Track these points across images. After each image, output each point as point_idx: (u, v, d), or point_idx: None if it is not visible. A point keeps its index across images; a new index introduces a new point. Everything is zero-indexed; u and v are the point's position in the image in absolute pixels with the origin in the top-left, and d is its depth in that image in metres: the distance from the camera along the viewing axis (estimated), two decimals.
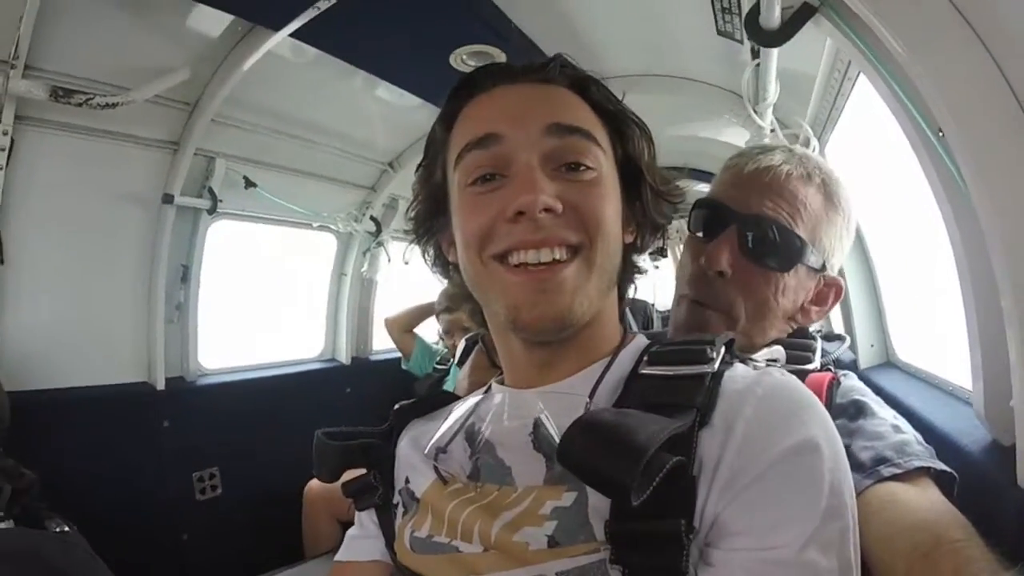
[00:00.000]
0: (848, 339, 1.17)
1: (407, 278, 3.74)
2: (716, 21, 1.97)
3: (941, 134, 0.91)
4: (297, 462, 2.86)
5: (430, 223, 0.85)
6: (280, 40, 2.09)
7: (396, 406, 0.93)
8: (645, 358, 0.74)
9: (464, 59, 2.29)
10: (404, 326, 3.45)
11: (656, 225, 0.83)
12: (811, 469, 0.57)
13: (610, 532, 0.59)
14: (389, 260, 3.50)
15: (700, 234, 1.07)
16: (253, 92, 2.46)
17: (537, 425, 0.71)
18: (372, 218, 3.39)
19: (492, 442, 0.76)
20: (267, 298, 3.31)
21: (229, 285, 3.01)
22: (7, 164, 1.91)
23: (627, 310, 1.03)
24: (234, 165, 2.72)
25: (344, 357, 3.53)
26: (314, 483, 2.84)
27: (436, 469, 0.78)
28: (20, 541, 1.26)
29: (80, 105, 1.91)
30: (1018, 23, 0.80)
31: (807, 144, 2.01)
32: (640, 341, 0.80)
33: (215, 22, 2.12)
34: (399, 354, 3.56)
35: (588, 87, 0.78)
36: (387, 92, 2.69)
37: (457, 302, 2.79)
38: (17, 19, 1.67)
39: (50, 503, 1.45)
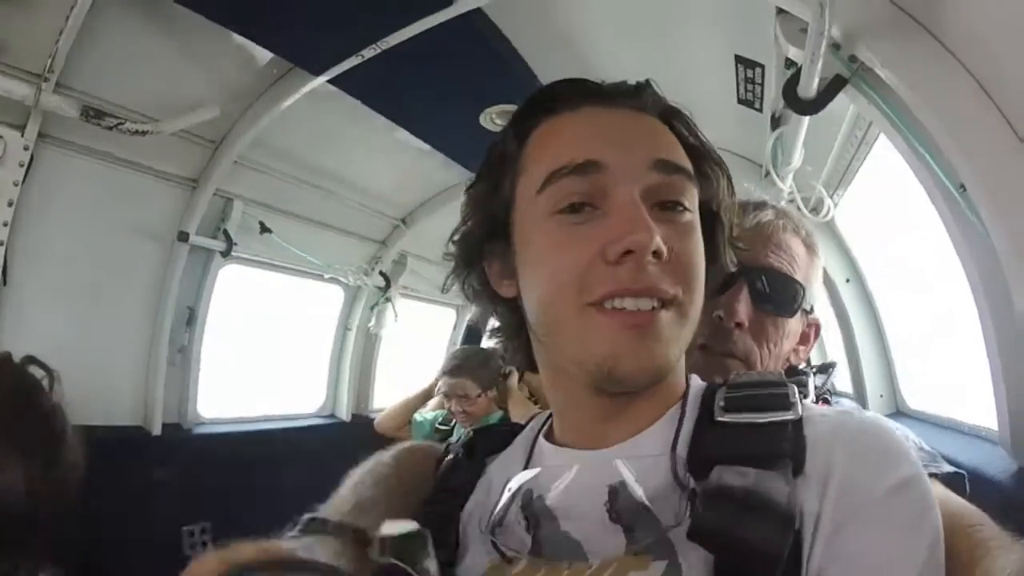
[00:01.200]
0: (836, 363, 1.24)
1: (411, 338, 3.68)
2: (738, 89, 2.02)
3: (963, 188, 1.05)
4: (292, 517, 2.73)
5: (481, 248, 0.75)
6: (316, 85, 2.11)
7: (443, 467, 0.81)
8: (721, 403, 0.67)
9: (494, 118, 2.32)
10: (398, 424, 3.32)
11: (726, 270, 0.78)
12: (915, 504, 0.54)
13: None
14: (396, 317, 3.43)
15: None
16: (277, 136, 2.47)
17: (614, 492, 0.63)
18: (382, 273, 3.36)
19: (555, 513, 0.65)
20: (270, 348, 3.22)
21: (234, 331, 2.92)
22: (24, 180, 1.84)
23: None
24: (251, 209, 2.70)
25: (344, 414, 3.43)
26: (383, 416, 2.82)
27: (495, 545, 0.67)
28: None
29: (111, 128, 1.88)
30: None
31: (820, 205, 2.06)
32: (696, 382, 0.73)
33: (254, 60, 2.13)
34: None
35: (677, 121, 0.72)
36: (407, 148, 2.72)
37: (468, 366, 2.68)
38: (57, 33, 1.65)
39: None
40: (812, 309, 1.12)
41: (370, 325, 3.41)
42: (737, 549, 0.51)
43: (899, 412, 2.16)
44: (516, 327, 0.75)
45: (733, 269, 0.79)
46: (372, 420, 3.44)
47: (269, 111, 2.24)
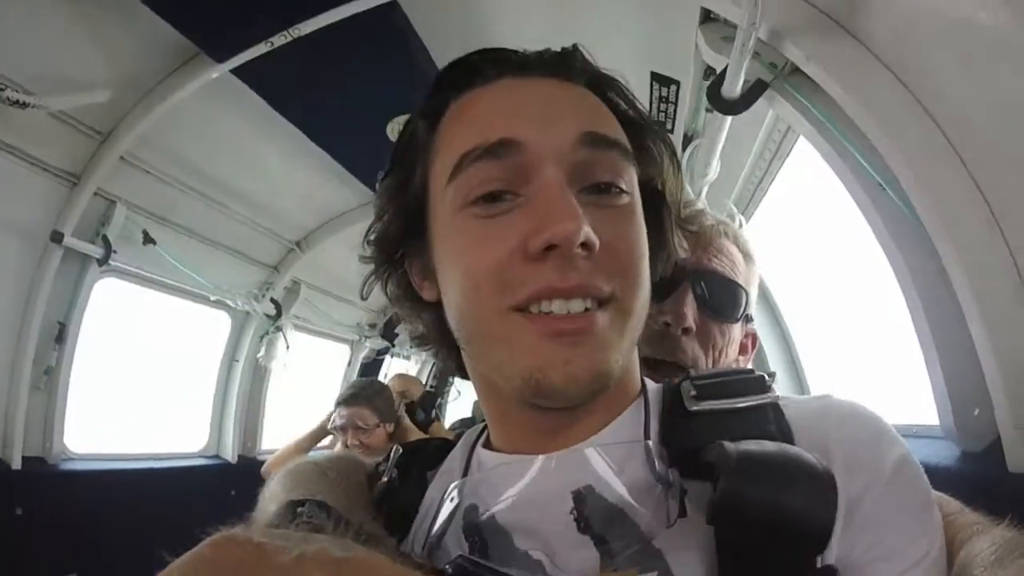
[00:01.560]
0: (776, 374, 1.20)
1: (303, 373, 3.44)
2: (651, 109, 2.13)
3: (893, 182, 1.10)
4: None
5: (397, 248, 0.66)
6: (216, 76, 1.99)
7: (380, 491, 0.68)
8: (693, 394, 0.59)
9: (401, 128, 2.30)
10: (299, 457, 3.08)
11: (673, 258, 0.69)
12: (917, 484, 0.53)
13: None
14: (288, 348, 3.21)
15: None
16: (171, 135, 2.30)
17: (580, 497, 0.54)
18: (273, 300, 3.15)
19: (506, 529, 0.56)
20: (150, 376, 2.87)
21: (109, 355, 2.59)
22: None
23: None
24: (134, 216, 2.45)
25: (230, 455, 3.11)
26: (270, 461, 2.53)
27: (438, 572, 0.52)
28: None
29: None
30: (951, 84, 1.01)
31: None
32: (652, 383, 0.66)
33: (155, 42, 1.96)
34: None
35: (610, 90, 0.63)
36: (308, 163, 2.63)
37: (365, 395, 2.53)
38: None
39: None
40: (751, 318, 1.11)
41: (259, 356, 3.16)
42: (782, 523, 0.46)
43: None
44: (442, 332, 0.65)
45: (683, 255, 0.71)
46: (260, 462, 3.16)
47: (165, 101, 2.07)
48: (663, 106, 2.05)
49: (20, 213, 2.08)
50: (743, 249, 1.10)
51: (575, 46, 0.63)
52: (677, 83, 1.96)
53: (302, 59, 1.89)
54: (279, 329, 3.17)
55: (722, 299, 1.02)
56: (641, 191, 0.60)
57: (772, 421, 0.55)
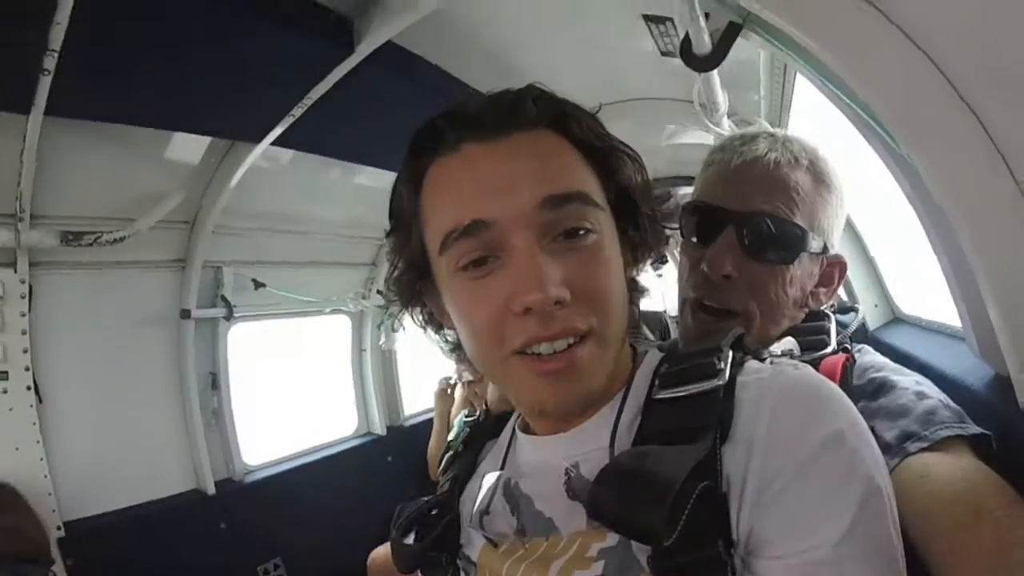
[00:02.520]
0: (861, 308, 1.13)
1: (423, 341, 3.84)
2: (657, 43, 2.06)
3: (879, 118, 0.94)
4: (354, 536, 2.97)
5: (413, 290, 0.77)
6: (261, 151, 2.27)
7: (446, 460, 0.95)
8: (657, 382, 0.70)
9: None
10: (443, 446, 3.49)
11: (654, 252, 0.78)
12: (839, 464, 0.56)
13: (653, 568, 0.57)
14: (404, 329, 3.58)
15: (695, 239, 1.03)
16: (246, 200, 2.65)
17: (568, 473, 0.69)
18: (379, 291, 3.47)
19: (530, 496, 0.73)
20: (296, 386, 3.42)
21: (257, 381, 3.14)
22: (29, 309, 2.07)
23: (642, 325, 1.00)
24: (241, 270, 2.89)
25: (379, 428, 3.62)
26: (376, 553, 2.89)
27: (485, 536, 0.75)
28: None
29: (91, 244, 2.09)
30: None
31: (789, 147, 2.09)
32: (652, 359, 0.76)
33: (198, 145, 2.32)
34: (432, 415, 3.64)
35: (570, 125, 0.69)
36: (368, 172, 2.88)
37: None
38: (16, 175, 1.85)
39: None
40: (826, 248, 1.01)
41: (380, 343, 3.60)
42: (625, 529, 0.57)
43: (896, 319, 2.16)
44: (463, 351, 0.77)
45: (661, 249, 0.79)
46: (406, 428, 3.68)
47: (228, 181, 2.42)
48: (666, 39, 2.00)
49: (152, 305, 2.60)
50: (814, 171, 1.00)
51: (530, 87, 0.70)
52: (671, 19, 1.91)
53: (330, 111, 2.06)
54: (392, 316, 3.54)
55: (770, 243, 0.96)
56: (616, 201, 0.71)
57: (716, 407, 0.62)
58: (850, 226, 2.28)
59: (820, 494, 0.55)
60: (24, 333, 2.06)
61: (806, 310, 1.04)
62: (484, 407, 2.90)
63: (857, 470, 0.56)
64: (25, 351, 2.06)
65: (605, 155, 0.71)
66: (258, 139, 2.19)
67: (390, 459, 3.51)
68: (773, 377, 0.64)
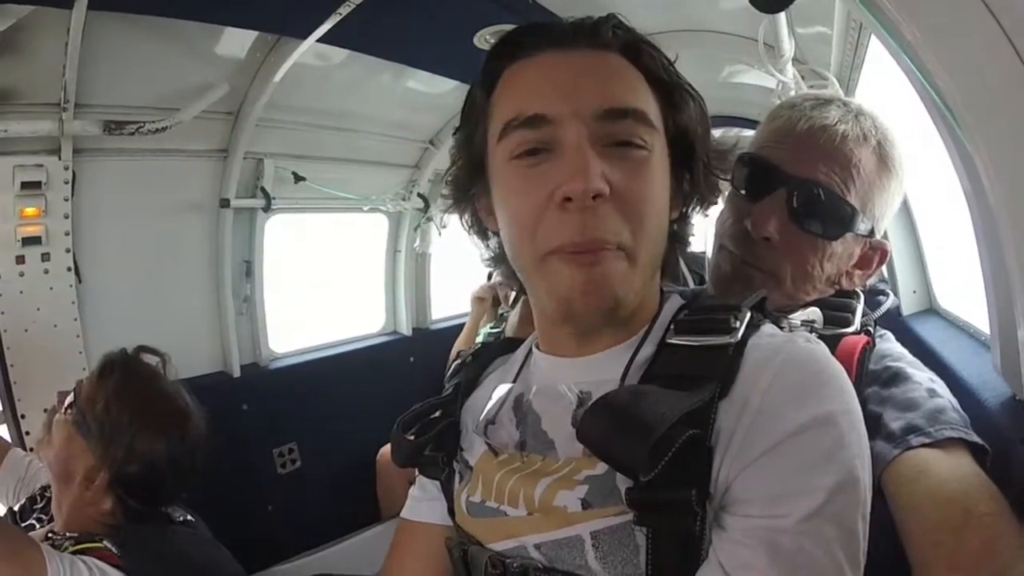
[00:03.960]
0: (891, 295, 1.12)
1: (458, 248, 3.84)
2: None
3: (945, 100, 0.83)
4: (369, 431, 3.13)
5: (468, 189, 0.82)
6: (308, 47, 2.19)
7: (454, 367, 0.97)
8: (672, 327, 0.74)
9: (488, 39, 2.29)
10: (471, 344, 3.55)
11: (706, 201, 0.81)
12: (823, 444, 0.58)
13: (627, 499, 0.61)
14: (440, 233, 3.60)
15: (744, 192, 1.02)
16: (291, 94, 2.59)
17: (579, 403, 0.73)
18: (419, 195, 3.49)
19: (538, 413, 0.77)
20: (327, 280, 3.50)
21: (291, 273, 3.22)
22: (72, 195, 2.13)
23: (682, 264, 1.00)
24: (282, 163, 2.87)
25: (405, 329, 3.70)
26: (385, 449, 3.06)
27: (487, 443, 0.80)
28: (163, 541, 1.46)
29: (132, 134, 2.09)
30: None
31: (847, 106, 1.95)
32: (673, 304, 0.80)
33: (245, 38, 2.26)
34: (458, 321, 3.70)
35: (642, 54, 0.73)
36: (419, 75, 2.77)
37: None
38: (61, 67, 1.85)
39: None
40: (873, 232, 1.00)
41: (415, 246, 3.61)
42: (605, 458, 0.61)
43: (931, 310, 2.11)
44: (505, 256, 0.81)
45: (712, 198, 0.81)
46: (432, 331, 3.76)
47: (273, 76, 2.36)
48: None
49: (192, 193, 2.63)
50: (881, 153, 0.98)
51: (610, 16, 0.74)
52: None
53: (379, 8, 1.98)
54: (430, 220, 3.55)
55: (819, 215, 0.95)
56: (673, 142, 0.75)
57: (722, 362, 0.65)
58: (905, 207, 2.16)
59: (798, 468, 0.58)
60: (67, 217, 2.13)
61: (837, 288, 1.04)
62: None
63: (839, 455, 0.58)
64: (67, 234, 2.14)
65: (671, 90, 0.74)
66: (305, 35, 2.12)
67: (412, 360, 3.61)
68: (783, 345, 0.66)
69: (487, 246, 0.86)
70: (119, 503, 1.43)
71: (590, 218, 0.65)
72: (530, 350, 0.87)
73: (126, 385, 1.48)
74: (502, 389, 0.84)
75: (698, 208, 0.82)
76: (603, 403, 0.62)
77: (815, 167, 0.95)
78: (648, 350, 0.73)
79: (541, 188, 0.68)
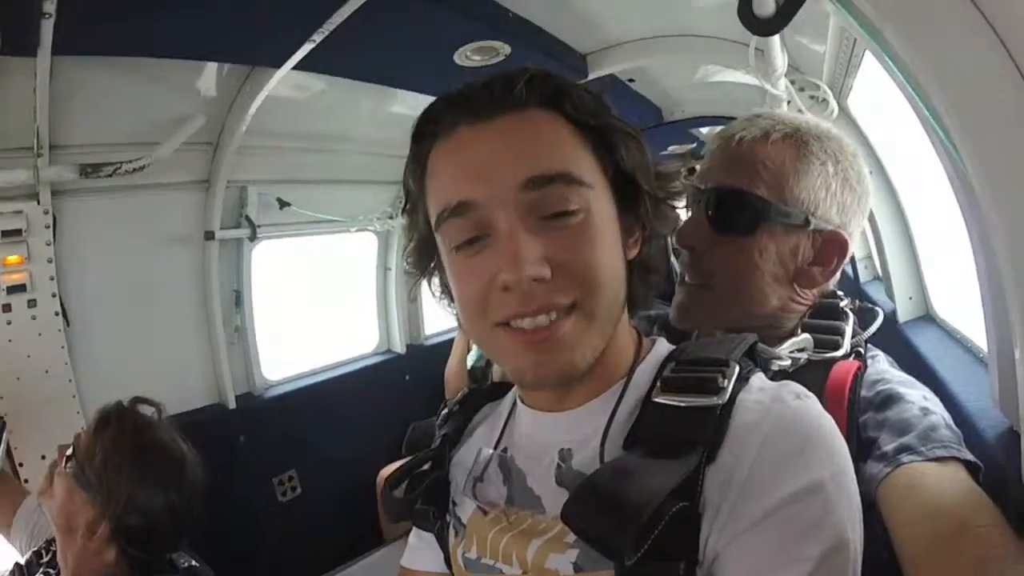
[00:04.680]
0: (881, 315, 1.09)
1: None
2: None
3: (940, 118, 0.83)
4: (368, 452, 3.10)
5: (426, 264, 0.82)
6: (284, 74, 2.17)
7: (441, 416, 0.96)
8: (659, 384, 0.72)
9: (469, 55, 2.29)
10: (461, 366, 3.54)
11: (659, 228, 0.80)
12: (811, 513, 0.58)
13: (617, 571, 0.60)
14: None
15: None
16: (270, 120, 2.56)
17: (559, 464, 0.73)
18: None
19: (523, 471, 0.77)
20: (319, 303, 3.48)
21: (281, 299, 3.19)
22: (54, 239, 2.10)
23: (673, 260, 1.07)
24: (266, 189, 2.86)
25: (399, 347, 3.69)
26: (387, 470, 3.03)
27: (476, 504, 0.80)
28: None
29: (110, 175, 2.07)
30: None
31: (825, 105, 1.95)
32: (658, 352, 0.79)
33: (219, 69, 2.23)
34: (453, 335, 3.70)
35: (563, 103, 0.71)
36: (401, 93, 2.75)
37: None
38: (32, 111, 1.82)
39: None
40: (808, 221, 0.99)
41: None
42: (593, 543, 0.59)
43: (927, 316, 2.10)
44: None
45: (665, 230, 0.81)
46: (426, 347, 3.75)
47: (250, 105, 2.34)
48: None
49: (176, 226, 2.61)
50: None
51: (524, 69, 0.71)
52: None
53: (356, 34, 1.97)
54: (403, 254, 3.52)
55: (728, 214, 0.99)
56: (616, 181, 0.73)
57: (710, 425, 0.63)
58: (900, 216, 2.15)
59: (787, 539, 0.57)
60: (50, 261, 2.10)
61: (803, 290, 1.04)
62: None
63: (826, 523, 0.58)
64: (52, 278, 2.12)
65: (601, 133, 0.72)
66: (278, 64, 2.10)
67: (408, 378, 3.60)
68: (771, 407, 0.65)
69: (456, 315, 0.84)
70: (122, 554, 1.42)
71: (534, 293, 0.65)
72: (515, 402, 0.86)
73: (122, 438, 1.47)
74: (488, 449, 0.83)
75: (656, 240, 0.80)
76: (587, 487, 0.61)
77: (720, 175, 1.01)
78: (629, 405, 0.72)
79: (483, 275, 0.68)
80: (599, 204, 0.70)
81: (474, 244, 0.68)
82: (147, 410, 1.58)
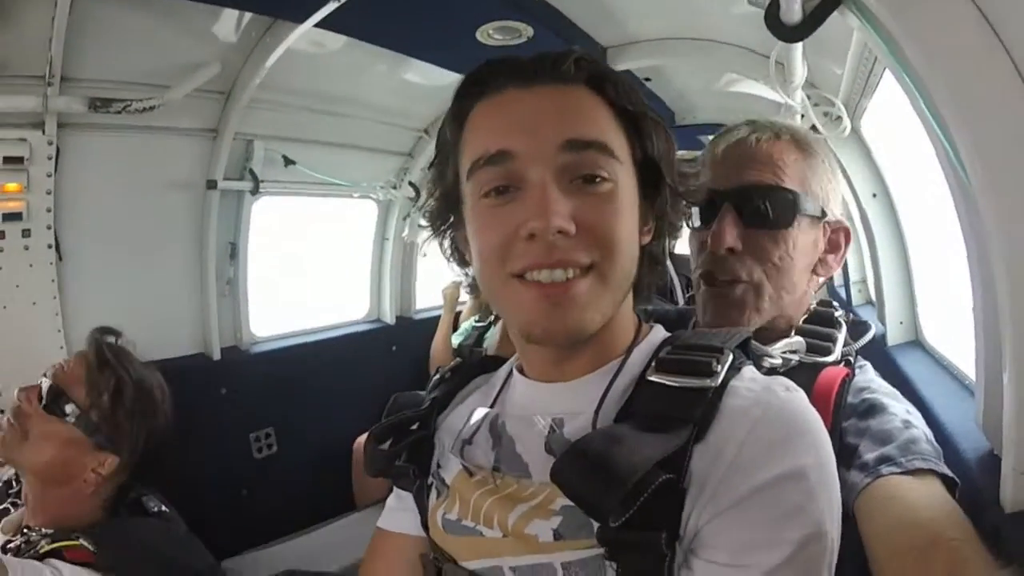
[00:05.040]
0: (873, 328, 1.14)
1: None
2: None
3: (951, 138, 0.86)
4: (347, 418, 3.11)
5: (445, 219, 0.85)
6: (305, 31, 2.14)
7: (433, 381, 0.98)
8: (653, 364, 0.74)
9: (491, 34, 2.27)
10: (448, 348, 3.55)
11: (674, 223, 0.84)
12: (793, 498, 0.60)
13: (599, 537, 0.63)
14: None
15: (699, 224, 1.09)
16: (285, 76, 2.54)
17: (551, 429, 0.75)
18: (411, 183, 3.47)
19: (513, 437, 0.79)
20: (313, 265, 3.48)
21: (277, 256, 3.19)
22: (56, 170, 2.08)
23: (670, 266, 1.08)
24: (272, 145, 2.83)
25: (389, 317, 3.69)
26: (363, 439, 3.03)
27: (463, 464, 0.82)
28: (137, 535, 1.45)
29: (119, 112, 2.05)
30: None
31: (839, 123, 1.97)
32: (655, 337, 0.82)
33: (240, 18, 2.20)
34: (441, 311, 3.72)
35: (605, 86, 0.75)
36: (417, 63, 2.71)
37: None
38: (47, 40, 1.80)
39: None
40: (824, 213, 1.07)
41: (404, 234, 3.58)
42: (578, 501, 0.61)
43: (917, 342, 2.12)
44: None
45: (680, 222, 0.85)
46: (415, 320, 3.76)
47: (267, 58, 2.31)
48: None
49: (179, 172, 2.58)
50: (797, 141, 1.08)
51: (572, 49, 0.76)
52: None
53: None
54: (420, 209, 3.52)
55: (763, 209, 1.02)
56: (641, 168, 0.77)
57: (701, 405, 0.66)
58: (899, 240, 2.17)
59: (767, 520, 0.60)
60: (49, 193, 2.08)
61: (819, 277, 1.11)
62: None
63: (807, 509, 0.60)
64: (48, 210, 2.10)
65: (636, 118, 0.76)
66: (302, 19, 2.07)
67: (395, 348, 3.60)
68: (761, 395, 0.67)
69: (466, 273, 0.87)
70: (109, 497, 1.47)
71: (556, 245, 0.68)
72: (511, 372, 0.88)
73: (125, 374, 1.50)
74: (480, 411, 0.85)
75: (669, 230, 0.84)
76: (578, 448, 0.63)
77: (746, 174, 1.04)
78: (625, 382, 0.75)
79: (509, 225, 0.70)
80: (626, 180, 0.74)
81: (503, 194, 0.72)
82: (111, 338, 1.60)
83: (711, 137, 1.15)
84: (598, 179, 0.71)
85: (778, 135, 1.06)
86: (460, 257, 0.87)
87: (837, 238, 1.10)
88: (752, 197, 1.02)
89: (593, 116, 0.74)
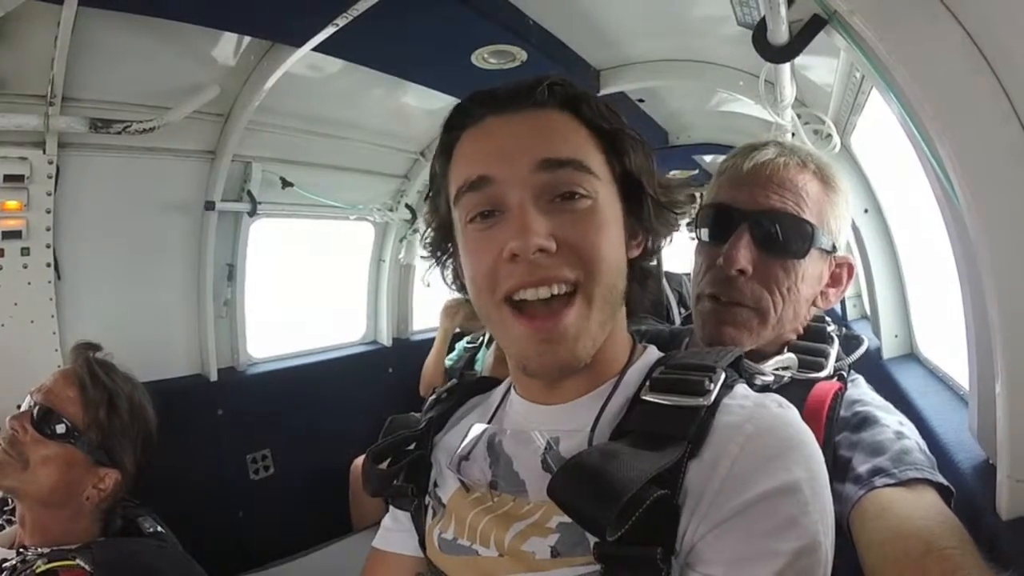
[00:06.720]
0: (865, 341, 1.16)
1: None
2: (735, 12, 1.95)
3: (938, 155, 0.89)
4: (344, 440, 3.10)
5: (444, 249, 0.88)
6: (303, 54, 2.18)
7: (429, 402, 1.00)
8: (647, 383, 0.76)
9: (486, 57, 2.31)
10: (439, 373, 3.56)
11: (660, 235, 0.85)
12: (787, 511, 0.61)
13: (595, 553, 0.64)
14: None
15: (710, 239, 1.09)
16: (283, 99, 2.57)
17: (548, 447, 0.76)
18: (407, 206, 3.50)
19: (510, 456, 0.80)
20: (310, 287, 3.50)
21: (273, 277, 3.20)
22: (55, 189, 2.10)
23: (665, 284, 1.09)
24: (270, 167, 2.86)
25: (385, 339, 3.70)
26: (360, 459, 3.02)
27: (460, 480, 0.84)
28: (134, 556, 1.43)
29: (119, 133, 2.07)
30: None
31: (829, 140, 2.00)
32: (649, 357, 0.84)
33: (239, 41, 2.24)
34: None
35: (580, 106, 0.78)
36: (414, 89, 2.77)
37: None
38: (50, 60, 1.83)
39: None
40: (835, 248, 1.07)
41: (400, 257, 3.60)
42: (575, 515, 0.62)
43: (912, 355, 2.13)
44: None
45: (665, 231, 0.85)
46: (411, 342, 3.77)
47: (266, 81, 2.35)
48: (746, 9, 1.90)
49: (177, 193, 2.59)
50: (821, 176, 1.07)
51: (545, 75, 0.79)
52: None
53: (376, 23, 1.96)
54: (416, 231, 3.55)
55: (782, 238, 1.02)
56: (622, 183, 0.79)
57: (695, 423, 0.67)
58: (892, 254, 2.20)
59: (762, 533, 0.60)
60: (49, 212, 2.10)
61: (815, 310, 1.12)
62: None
63: (801, 522, 0.61)
64: (48, 229, 2.11)
65: (612, 136, 0.79)
66: (300, 43, 2.10)
67: (391, 370, 3.61)
68: (754, 411, 0.69)
69: (467, 298, 0.88)
70: (107, 514, 1.47)
71: (539, 264, 0.71)
72: (508, 391, 0.91)
73: (117, 389, 1.51)
74: (478, 428, 0.87)
75: (657, 242, 0.86)
76: (575, 463, 0.64)
77: (768, 198, 1.03)
78: (619, 401, 0.77)
79: (494, 248, 0.73)
80: (606, 197, 0.76)
81: (487, 219, 0.74)
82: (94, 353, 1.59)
83: (708, 158, 1.17)
84: (576, 196, 0.73)
85: (805, 163, 1.06)
86: (461, 284, 0.89)
87: (840, 273, 1.11)
88: (772, 222, 1.02)
89: (567, 136, 0.76)
